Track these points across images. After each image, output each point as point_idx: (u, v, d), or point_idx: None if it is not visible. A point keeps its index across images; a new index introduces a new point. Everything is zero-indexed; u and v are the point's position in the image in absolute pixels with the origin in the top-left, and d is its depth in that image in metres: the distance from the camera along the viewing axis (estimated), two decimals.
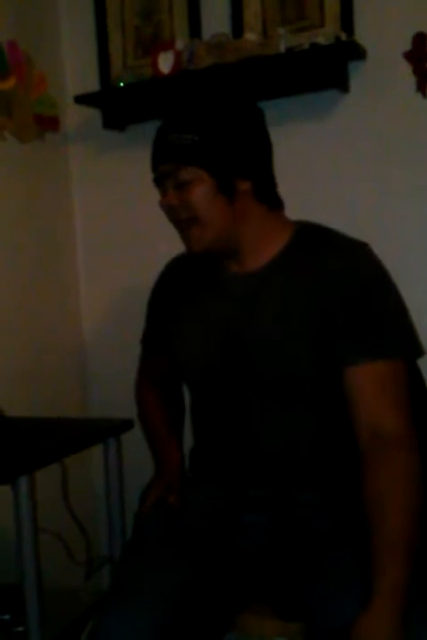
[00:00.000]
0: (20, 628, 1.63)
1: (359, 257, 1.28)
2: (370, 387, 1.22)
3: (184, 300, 1.42)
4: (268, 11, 1.95)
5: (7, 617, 1.71)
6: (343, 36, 1.82)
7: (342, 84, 1.89)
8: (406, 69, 1.82)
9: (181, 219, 1.30)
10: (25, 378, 2.04)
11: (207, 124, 1.27)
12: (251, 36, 1.93)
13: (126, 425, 1.73)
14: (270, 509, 1.35)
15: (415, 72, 1.82)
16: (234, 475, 1.37)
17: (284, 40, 1.86)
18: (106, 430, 1.75)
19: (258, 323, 1.30)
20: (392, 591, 1.11)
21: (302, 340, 1.26)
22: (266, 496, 1.35)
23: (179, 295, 1.44)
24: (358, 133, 1.92)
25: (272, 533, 1.35)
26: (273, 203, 1.34)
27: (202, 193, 1.26)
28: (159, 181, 1.32)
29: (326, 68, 1.87)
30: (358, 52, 1.85)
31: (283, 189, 2.02)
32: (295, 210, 2.06)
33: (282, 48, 1.86)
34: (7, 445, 1.59)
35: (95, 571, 1.96)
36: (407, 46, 1.81)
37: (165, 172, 1.29)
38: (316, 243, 1.30)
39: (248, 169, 1.29)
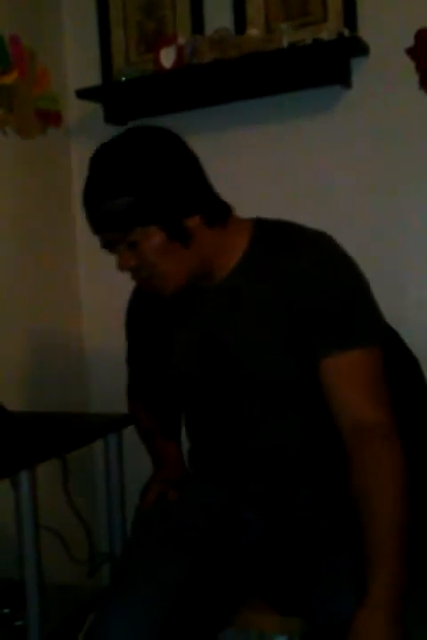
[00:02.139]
0: (20, 622, 1.64)
1: (318, 250, 1.25)
2: (344, 377, 1.21)
3: (162, 316, 1.41)
4: (270, 6, 1.95)
5: (7, 611, 1.71)
6: (346, 32, 1.82)
7: (345, 80, 1.89)
8: (408, 65, 1.82)
9: (143, 277, 1.27)
10: (26, 373, 2.04)
11: (140, 181, 1.20)
12: (253, 32, 1.93)
13: (127, 420, 1.73)
14: (268, 506, 1.36)
15: (418, 68, 1.81)
16: (230, 474, 1.38)
17: (286, 35, 1.86)
18: (107, 426, 1.75)
19: (235, 331, 1.29)
20: (387, 584, 1.11)
21: (277, 342, 1.25)
22: (263, 492, 1.35)
23: (156, 313, 1.42)
24: (360, 129, 1.92)
25: (270, 529, 1.35)
26: (224, 218, 1.29)
27: (156, 248, 1.22)
28: (108, 247, 1.28)
29: (329, 64, 1.87)
30: (360, 48, 1.85)
31: (285, 184, 2.03)
32: (297, 205, 2.07)
33: (285, 43, 1.86)
34: (8, 440, 1.60)
35: (97, 568, 1.96)
36: (410, 42, 1.80)
37: (111, 239, 1.25)
38: (275, 242, 1.28)
39: (193, 205, 1.24)
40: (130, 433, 1.76)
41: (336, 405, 1.21)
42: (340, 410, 1.21)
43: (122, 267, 1.27)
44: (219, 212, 1.28)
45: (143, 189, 1.19)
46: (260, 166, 2.04)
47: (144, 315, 1.46)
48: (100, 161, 1.25)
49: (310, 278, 1.22)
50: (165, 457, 1.52)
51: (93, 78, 2.16)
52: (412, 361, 1.50)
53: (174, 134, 1.28)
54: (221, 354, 1.30)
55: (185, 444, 1.56)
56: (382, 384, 1.23)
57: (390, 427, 1.20)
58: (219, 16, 2.01)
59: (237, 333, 1.28)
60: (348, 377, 1.21)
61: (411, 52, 1.81)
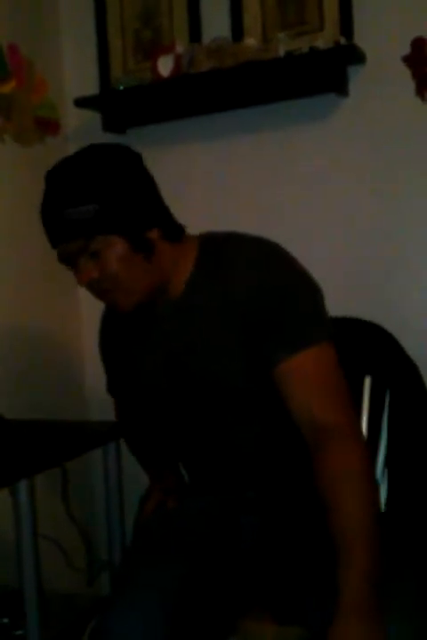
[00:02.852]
0: (20, 632, 1.64)
1: (258, 256, 1.26)
2: (297, 382, 1.20)
3: (127, 340, 1.41)
4: (267, 15, 1.96)
5: (6, 620, 1.71)
6: (343, 41, 1.83)
7: (342, 88, 1.90)
8: (405, 73, 1.83)
9: (104, 288, 1.26)
10: (25, 381, 2.04)
11: (104, 189, 1.21)
12: (250, 41, 1.93)
13: (121, 433, 1.73)
14: (264, 510, 1.36)
15: (414, 76, 1.82)
16: (221, 482, 1.38)
17: (283, 44, 1.86)
18: (105, 434, 1.75)
19: (193, 346, 1.29)
20: (358, 586, 1.10)
21: (233, 352, 1.25)
22: (257, 497, 1.36)
23: (121, 338, 1.43)
24: (357, 137, 1.93)
25: (268, 535, 1.36)
26: (179, 234, 1.31)
27: (119, 258, 1.22)
28: (68, 260, 1.27)
29: (326, 72, 1.88)
30: (357, 57, 1.86)
31: (282, 193, 2.04)
32: (294, 213, 2.07)
33: (281, 52, 1.86)
34: (7, 449, 1.59)
35: (96, 576, 1.96)
36: (406, 50, 1.81)
37: (73, 250, 1.24)
38: (219, 255, 1.29)
39: (153, 218, 1.26)
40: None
41: (293, 412, 1.21)
42: (297, 416, 1.20)
43: (83, 279, 1.25)
44: (175, 228, 1.30)
45: (107, 197, 1.20)
46: (257, 174, 2.05)
47: (113, 341, 1.47)
48: (62, 172, 1.25)
49: (249, 285, 1.22)
50: (162, 467, 1.53)
51: (91, 87, 2.17)
52: (411, 367, 1.50)
53: (133, 151, 1.29)
54: (182, 370, 1.31)
55: None
56: (338, 382, 1.21)
57: (350, 426, 1.19)
58: (216, 25, 2.02)
59: (194, 348, 1.29)
60: (300, 381, 1.20)
61: (407, 59, 1.82)
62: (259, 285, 1.22)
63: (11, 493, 1.53)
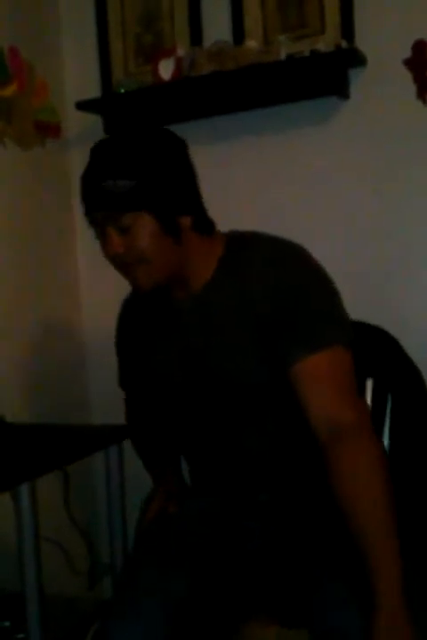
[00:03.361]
0: (21, 636, 1.63)
1: (281, 257, 1.27)
2: (313, 381, 1.21)
3: (144, 334, 1.43)
4: (268, 18, 1.96)
5: (7, 624, 1.71)
6: (344, 44, 1.83)
7: (343, 91, 1.90)
8: (406, 76, 1.83)
9: (128, 262, 1.28)
10: (26, 384, 2.04)
11: (144, 167, 1.24)
12: (251, 44, 1.93)
13: (128, 432, 1.73)
14: (269, 514, 1.36)
15: (415, 79, 1.82)
16: (227, 484, 1.38)
17: (284, 47, 1.87)
18: (107, 437, 1.75)
19: (210, 341, 1.31)
20: (392, 584, 1.12)
21: (250, 350, 1.27)
22: (264, 501, 1.36)
23: (139, 331, 1.45)
24: (358, 140, 1.93)
25: (273, 538, 1.35)
26: (209, 230, 1.34)
27: (148, 236, 1.25)
28: (96, 225, 1.29)
29: (327, 75, 1.88)
30: (358, 59, 1.86)
31: (283, 196, 2.04)
32: (295, 215, 2.08)
33: (282, 55, 1.87)
34: (8, 452, 1.59)
35: (98, 580, 1.96)
36: (407, 53, 1.81)
37: (103, 217, 1.26)
38: (243, 254, 1.31)
39: (187, 204, 1.29)
40: (131, 444, 1.76)
41: (308, 411, 1.22)
42: (312, 416, 1.22)
43: (109, 251, 1.27)
44: (206, 221, 1.33)
45: (145, 176, 1.23)
46: (258, 177, 2.05)
47: (130, 330, 1.48)
48: (108, 145, 1.29)
49: (275, 287, 1.24)
50: (164, 472, 1.52)
51: (93, 90, 2.17)
52: (412, 369, 1.50)
53: (179, 137, 1.32)
54: (198, 365, 1.32)
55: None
56: (352, 384, 1.23)
57: (364, 425, 1.20)
58: (217, 28, 2.02)
59: (212, 344, 1.30)
60: (316, 381, 1.21)
61: (408, 62, 1.82)
62: (275, 284, 1.24)
63: (13, 497, 1.53)
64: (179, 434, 1.47)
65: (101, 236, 1.28)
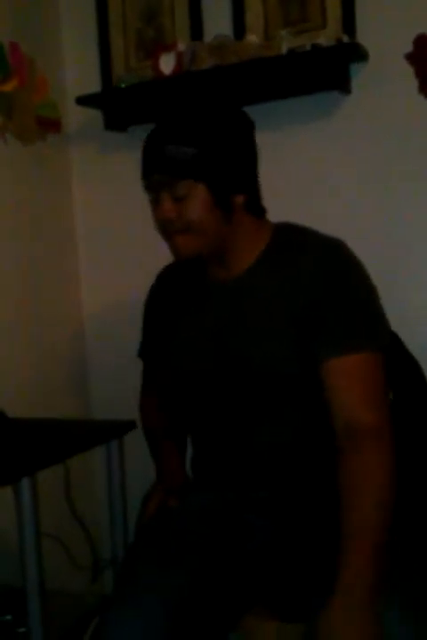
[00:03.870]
0: (23, 630, 1.64)
1: (327, 254, 1.29)
2: (341, 380, 1.23)
3: (176, 309, 1.44)
4: (269, 12, 1.96)
5: (9, 618, 1.71)
6: (345, 38, 1.82)
7: (344, 86, 1.89)
8: (407, 71, 1.82)
9: (175, 229, 1.29)
10: (27, 379, 2.04)
11: (207, 138, 1.26)
12: (252, 38, 1.93)
13: (129, 426, 1.73)
14: (271, 510, 1.36)
15: (417, 74, 1.81)
16: (232, 478, 1.38)
17: (285, 41, 1.86)
18: (108, 432, 1.75)
19: (242, 326, 1.32)
20: (357, 579, 1.11)
21: (281, 340, 1.28)
22: (267, 497, 1.35)
23: (170, 305, 1.46)
24: (359, 135, 1.92)
25: (274, 535, 1.35)
26: (260, 213, 1.36)
27: (200, 208, 1.26)
28: (152, 189, 1.30)
29: (328, 70, 1.87)
30: (359, 54, 1.85)
31: (283, 190, 2.04)
32: (296, 210, 2.07)
33: (284, 49, 1.86)
34: (10, 447, 1.59)
35: (99, 573, 1.96)
36: (409, 48, 1.81)
37: (159, 182, 1.28)
38: (290, 243, 1.32)
39: (244, 183, 1.30)
40: (132, 439, 1.76)
41: (334, 406, 1.23)
42: (337, 411, 1.23)
43: (159, 215, 1.29)
44: (259, 205, 1.35)
45: (208, 147, 1.25)
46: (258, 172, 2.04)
47: (162, 303, 1.49)
48: (176, 111, 1.30)
49: (318, 280, 1.25)
50: (167, 467, 1.52)
51: (93, 85, 2.17)
52: (413, 365, 1.50)
53: (249, 118, 1.33)
54: (228, 347, 1.32)
55: (188, 450, 1.56)
56: (382, 389, 1.25)
57: (385, 430, 1.21)
58: (218, 22, 2.01)
59: (246, 328, 1.31)
60: (348, 380, 1.23)
61: (410, 57, 1.81)
62: (320, 281, 1.25)
63: (14, 491, 1.53)
64: (193, 415, 1.46)
65: (154, 201, 1.30)
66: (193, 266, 1.39)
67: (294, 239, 1.32)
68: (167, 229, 1.30)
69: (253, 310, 1.31)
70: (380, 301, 1.31)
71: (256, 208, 1.34)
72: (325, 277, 1.25)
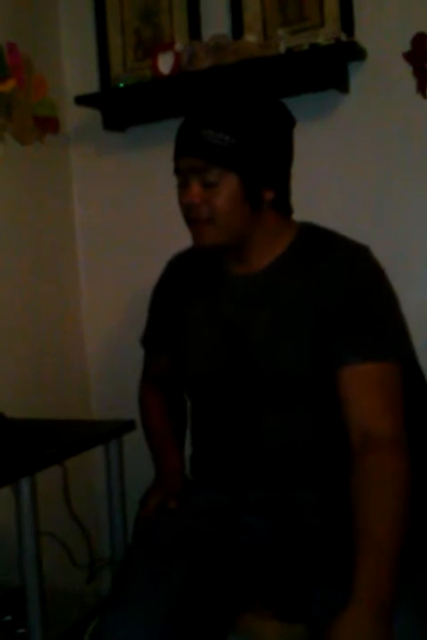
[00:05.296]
0: (22, 630, 1.64)
1: (353, 259, 1.28)
2: (360, 387, 1.22)
3: (187, 299, 1.42)
4: (267, 12, 1.96)
5: (9, 618, 1.71)
6: (343, 37, 1.82)
7: (342, 85, 1.89)
8: (406, 70, 1.82)
9: (199, 216, 1.27)
10: (26, 380, 2.04)
11: (246, 128, 1.24)
12: (251, 37, 1.93)
13: (128, 426, 1.73)
14: (272, 511, 1.35)
15: (415, 73, 1.82)
16: (234, 477, 1.37)
17: (284, 41, 1.86)
18: (107, 432, 1.75)
19: (258, 324, 1.30)
20: (372, 591, 1.10)
21: (299, 340, 1.27)
22: (267, 498, 1.35)
23: (181, 294, 1.44)
24: (358, 134, 1.92)
25: (274, 535, 1.35)
26: (288, 211, 1.35)
27: (229, 198, 1.24)
28: (182, 172, 1.28)
29: (326, 69, 1.87)
30: (357, 53, 1.85)
31: None
32: (296, 210, 2.06)
33: (282, 49, 1.86)
34: (9, 447, 1.59)
35: (97, 573, 1.96)
36: (407, 47, 1.81)
37: (191, 166, 1.25)
38: (313, 245, 1.31)
39: (275, 179, 1.29)
40: (131, 439, 1.76)
41: (349, 411, 1.23)
42: (352, 416, 1.22)
43: (185, 198, 1.27)
44: (288, 203, 1.33)
45: (245, 137, 1.23)
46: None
47: (172, 294, 1.47)
48: (216, 96, 1.29)
49: (338, 281, 1.25)
50: (165, 466, 1.52)
51: (91, 85, 2.17)
52: (414, 365, 1.49)
53: (290, 115, 1.32)
54: (241, 342, 1.31)
55: (187, 449, 1.56)
56: (400, 398, 1.24)
57: (399, 438, 1.21)
58: (216, 22, 2.01)
59: (262, 325, 1.29)
60: (365, 387, 1.22)
61: (408, 56, 1.81)
62: (342, 285, 1.24)
63: (13, 491, 1.53)
64: (198, 410, 1.45)
65: (182, 185, 1.28)
66: (208, 256, 1.37)
67: (319, 241, 1.31)
68: (191, 215, 1.28)
69: (271, 308, 1.29)
70: (401, 311, 1.30)
71: (284, 206, 1.33)
72: (349, 286, 1.24)
